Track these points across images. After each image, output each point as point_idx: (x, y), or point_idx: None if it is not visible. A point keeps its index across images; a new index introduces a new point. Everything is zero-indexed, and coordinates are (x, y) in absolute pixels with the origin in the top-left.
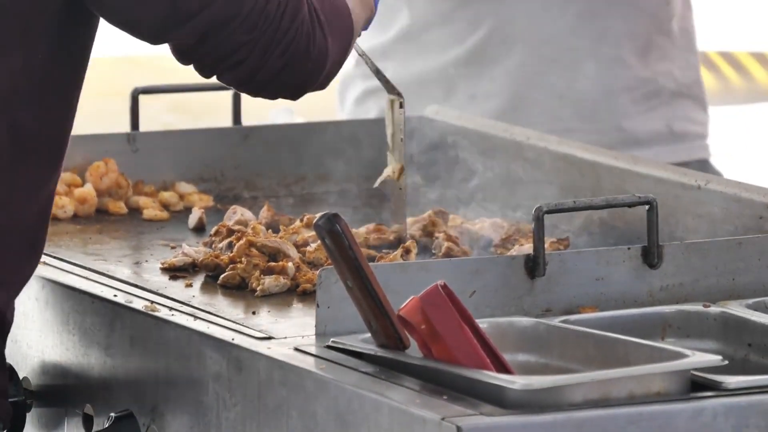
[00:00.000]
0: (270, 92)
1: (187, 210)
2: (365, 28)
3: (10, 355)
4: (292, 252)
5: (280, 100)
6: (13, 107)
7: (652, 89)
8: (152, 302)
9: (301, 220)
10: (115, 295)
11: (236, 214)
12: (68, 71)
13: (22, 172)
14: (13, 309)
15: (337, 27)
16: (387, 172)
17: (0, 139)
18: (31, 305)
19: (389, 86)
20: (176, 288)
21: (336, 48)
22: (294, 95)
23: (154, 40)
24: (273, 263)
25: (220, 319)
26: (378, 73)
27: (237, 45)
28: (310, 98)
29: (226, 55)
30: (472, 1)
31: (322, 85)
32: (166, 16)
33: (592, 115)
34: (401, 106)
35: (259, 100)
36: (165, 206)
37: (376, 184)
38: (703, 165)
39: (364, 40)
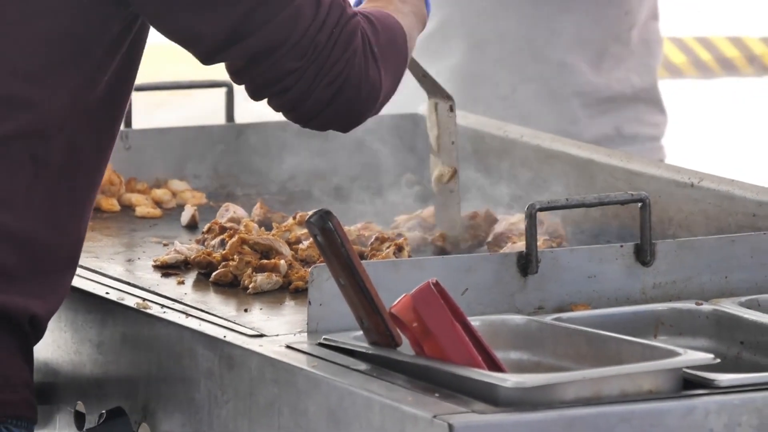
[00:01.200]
0: (319, 123)
1: (180, 207)
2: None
3: None
4: (285, 249)
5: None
6: (72, 126)
7: (605, 95)
8: (144, 299)
9: (294, 218)
10: (107, 293)
11: (229, 211)
12: (117, 96)
13: (73, 191)
14: (47, 322)
15: (392, 58)
16: (435, 174)
17: (56, 157)
18: None
19: (436, 89)
20: (168, 285)
21: (389, 79)
22: (344, 128)
23: (208, 58)
24: (265, 261)
25: (211, 316)
26: (426, 77)
27: (285, 71)
28: None
29: (274, 81)
30: None
31: (375, 114)
32: (222, 42)
33: (535, 117)
34: (452, 109)
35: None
36: (158, 203)
37: (434, 188)
38: None
39: None
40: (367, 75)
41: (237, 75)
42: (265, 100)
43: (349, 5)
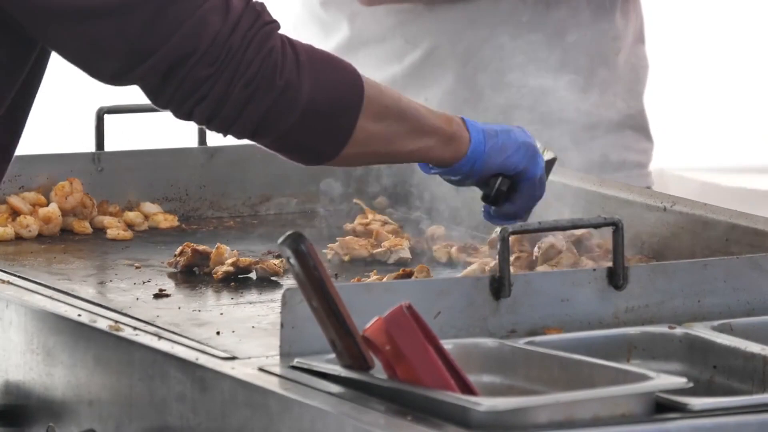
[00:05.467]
0: (240, 128)
1: (152, 230)
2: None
3: None
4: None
5: None
6: None
7: (592, 121)
8: (116, 322)
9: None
10: (80, 315)
11: None
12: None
13: None
14: None
15: (322, 72)
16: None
17: None
18: None
19: None
20: (140, 308)
21: (319, 92)
22: (267, 132)
23: (115, 81)
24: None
25: (184, 339)
26: None
27: (200, 80)
28: None
29: (192, 91)
30: (411, 20)
31: (298, 119)
32: (124, 59)
33: None
34: None
35: None
36: (130, 226)
37: None
38: None
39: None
40: (282, 73)
41: (155, 95)
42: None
43: (269, 14)
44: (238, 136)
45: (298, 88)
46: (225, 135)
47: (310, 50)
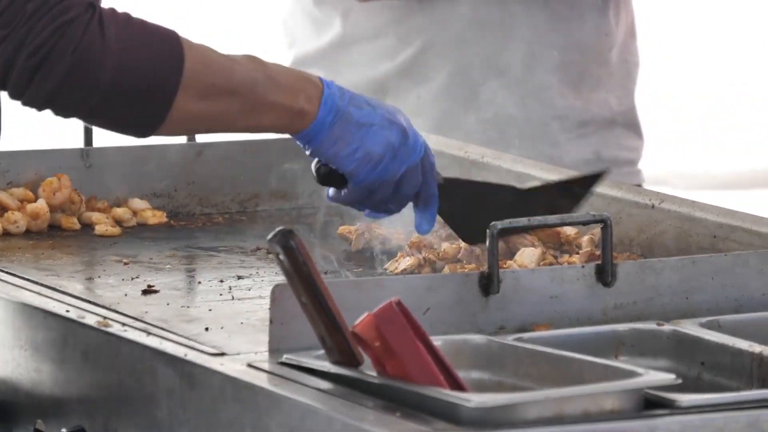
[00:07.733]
0: (31, 99)
1: (141, 226)
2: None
3: None
4: None
5: None
6: None
7: (584, 118)
8: (105, 318)
9: None
10: (68, 311)
11: None
12: None
13: None
14: None
15: (134, 50)
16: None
17: None
18: None
19: None
20: (129, 304)
21: (125, 71)
22: (62, 108)
23: None
24: None
25: (172, 335)
26: None
27: None
28: None
29: None
30: (404, 18)
31: (104, 90)
32: None
33: (518, 140)
34: None
35: None
36: (118, 222)
37: None
38: None
39: (299, 45)
40: (77, 47)
41: None
42: None
43: None
44: (36, 108)
45: (99, 67)
46: (24, 104)
47: (124, 25)
